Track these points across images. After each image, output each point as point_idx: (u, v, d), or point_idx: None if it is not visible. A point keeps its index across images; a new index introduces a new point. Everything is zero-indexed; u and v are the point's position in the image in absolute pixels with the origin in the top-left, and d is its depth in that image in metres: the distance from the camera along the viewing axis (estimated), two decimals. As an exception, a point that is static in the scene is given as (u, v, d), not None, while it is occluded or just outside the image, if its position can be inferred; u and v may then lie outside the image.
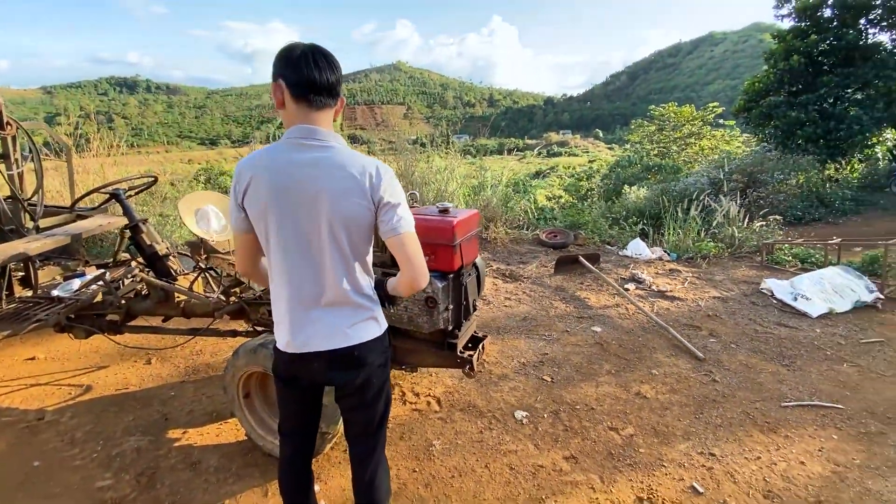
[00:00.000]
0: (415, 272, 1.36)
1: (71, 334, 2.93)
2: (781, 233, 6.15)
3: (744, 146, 13.37)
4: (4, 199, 2.94)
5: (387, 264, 2.14)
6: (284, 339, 1.44)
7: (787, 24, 12.31)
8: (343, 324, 1.41)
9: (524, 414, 2.65)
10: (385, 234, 1.34)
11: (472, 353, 2.21)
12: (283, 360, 1.48)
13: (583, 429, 2.53)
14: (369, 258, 1.47)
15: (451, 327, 2.13)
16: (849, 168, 11.01)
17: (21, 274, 3.11)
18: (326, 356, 1.42)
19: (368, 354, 1.46)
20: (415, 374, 3.03)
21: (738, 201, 6.33)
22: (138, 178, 3.12)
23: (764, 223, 6.05)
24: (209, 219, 2.88)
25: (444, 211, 2.05)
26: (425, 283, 1.39)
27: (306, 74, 1.26)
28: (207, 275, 3.00)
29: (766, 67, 12.74)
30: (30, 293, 3.01)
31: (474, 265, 2.28)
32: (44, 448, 2.46)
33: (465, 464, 2.29)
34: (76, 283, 3.03)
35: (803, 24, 11.81)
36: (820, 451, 2.33)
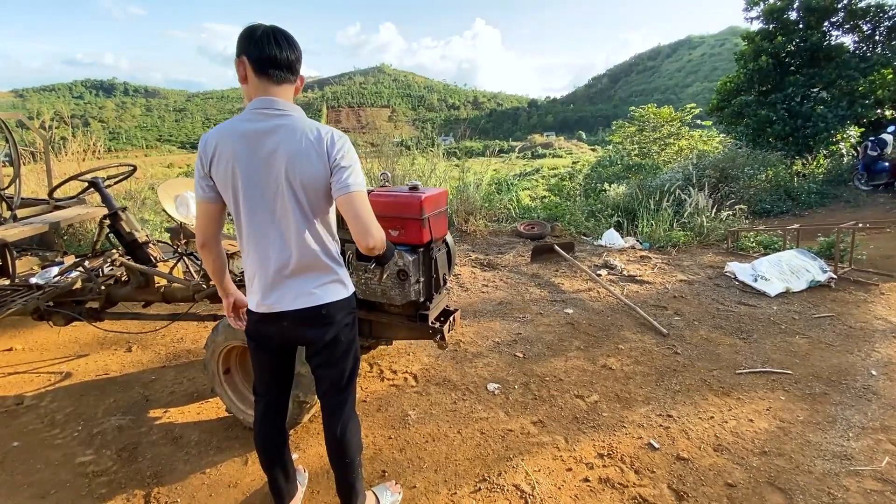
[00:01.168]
0: (360, 227, 1.38)
1: (51, 322, 2.96)
2: (747, 221, 6.42)
3: (721, 146, 13.82)
4: (-19, 188, 2.96)
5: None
6: (255, 300, 1.54)
7: (756, 26, 12.78)
8: (310, 285, 1.51)
9: (496, 386, 2.78)
10: (335, 192, 1.40)
11: (443, 324, 2.33)
12: (254, 321, 1.58)
13: (550, 397, 2.67)
14: (332, 221, 1.56)
15: (422, 299, 2.25)
16: (815, 164, 11.44)
17: (-1, 263, 3.13)
18: (296, 315, 1.52)
19: (336, 313, 1.56)
20: (393, 353, 3.14)
21: (709, 195, 6.59)
22: (117, 166, 3.17)
23: (731, 213, 6.31)
24: (188, 204, 2.95)
25: (414, 188, 2.16)
26: (374, 241, 1.39)
27: (267, 52, 1.36)
28: (187, 260, 3.06)
29: (737, 68, 13.20)
30: (7, 282, 3.03)
31: (444, 242, 2.40)
32: (23, 430, 2.50)
33: (438, 430, 2.40)
34: (54, 271, 3.06)
35: (771, 26, 12.27)
36: (768, 410, 2.51)
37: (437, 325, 2.29)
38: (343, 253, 2.23)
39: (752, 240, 5.56)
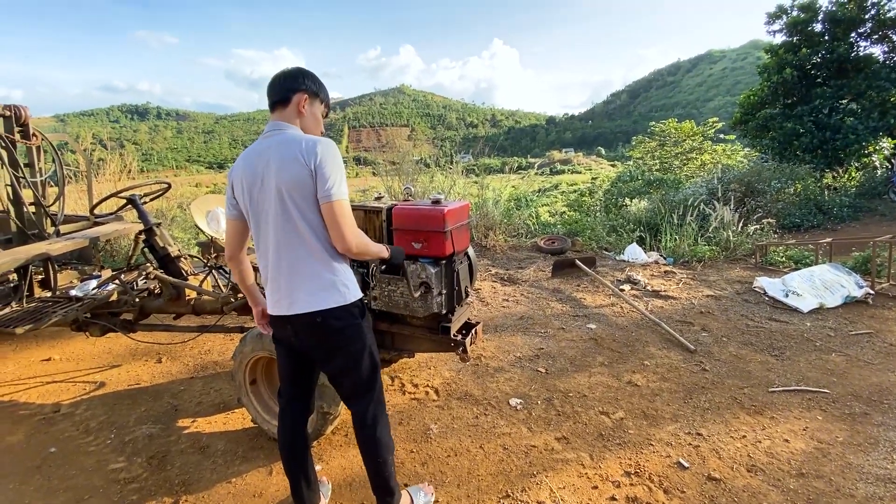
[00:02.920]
0: (335, 233, 1.50)
1: (87, 332, 3.09)
2: (776, 236, 6.25)
3: (746, 160, 13.57)
4: (28, 206, 3.14)
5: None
6: (268, 303, 1.67)
7: (779, 39, 12.64)
8: (303, 292, 1.56)
9: (518, 401, 2.75)
10: (319, 200, 1.49)
11: (465, 336, 2.33)
12: (270, 323, 1.73)
13: (574, 413, 2.62)
14: (323, 231, 1.56)
15: (444, 311, 2.26)
16: (846, 176, 11.10)
17: (41, 276, 3.29)
18: (296, 321, 1.59)
19: (333, 321, 1.58)
20: (414, 367, 3.15)
21: (733, 209, 6.45)
22: (153, 183, 3.32)
23: (758, 227, 6.16)
24: (219, 219, 3.06)
25: (437, 202, 2.20)
26: (344, 247, 1.51)
27: (268, 95, 1.63)
28: (216, 273, 3.16)
29: (760, 81, 13.02)
30: (49, 294, 3.18)
31: (466, 254, 2.42)
32: (59, 437, 2.59)
33: (460, 445, 2.38)
34: (93, 284, 3.20)
35: (794, 38, 12.11)
36: (804, 430, 2.41)
37: (459, 337, 2.30)
38: (366, 265, 2.29)
39: (781, 254, 5.40)
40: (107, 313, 3.12)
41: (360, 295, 1.66)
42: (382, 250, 1.72)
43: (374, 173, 8.32)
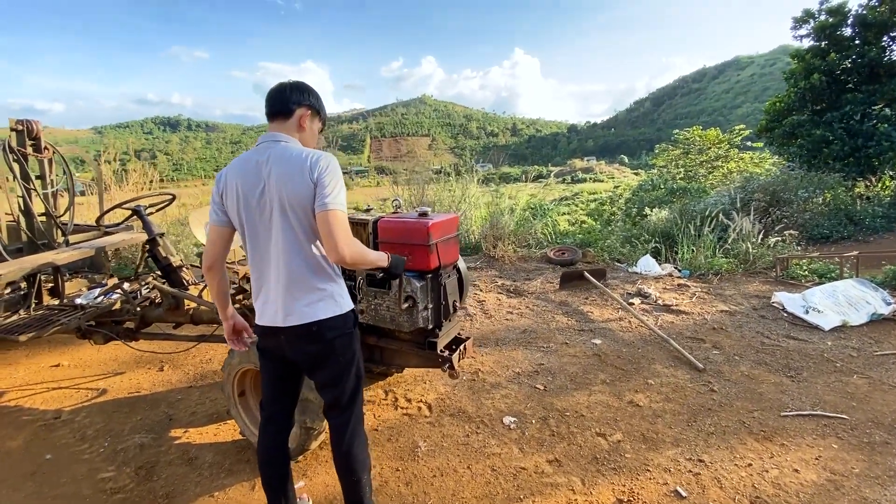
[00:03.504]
0: (329, 243, 1.46)
1: (91, 340, 3.15)
2: (799, 248, 5.97)
3: (776, 168, 13.11)
4: (39, 216, 3.24)
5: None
6: (257, 314, 1.63)
7: (806, 44, 12.23)
8: (300, 302, 1.56)
9: (512, 420, 2.66)
10: (315, 209, 1.48)
11: (452, 352, 2.27)
12: (259, 335, 1.68)
13: (570, 434, 2.52)
14: (318, 243, 1.57)
15: (431, 326, 2.21)
16: (880, 185, 10.58)
17: (51, 285, 3.38)
18: (290, 332, 1.57)
19: (327, 331, 1.59)
20: (409, 381, 3.10)
21: (758, 219, 6.20)
22: (157, 195, 3.39)
23: (780, 238, 5.89)
24: (217, 231, 3.09)
25: (423, 215, 2.16)
26: (337, 257, 1.47)
27: (267, 100, 1.63)
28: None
29: (787, 87, 12.61)
30: (56, 302, 3.27)
31: (456, 268, 2.37)
32: (57, 443, 2.64)
33: (447, 464, 2.31)
34: (97, 292, 3.27)
35: (822, 43, 11.69)
36: (817, 459, 2.24)
37: (447, 353, 2.24)
38: (353, 277, 2.27)
39: (804, 268, 5.14)
40: (110, 321, 3.19)
41: (352, 305, 1.67)
42: (381, 258, 1.70)
43: (395, 182, 8.43)
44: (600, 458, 2.32)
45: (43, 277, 3.32)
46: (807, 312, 3.87)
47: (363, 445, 1.72)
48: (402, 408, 2.83)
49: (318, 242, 1.56)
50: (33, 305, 3.14)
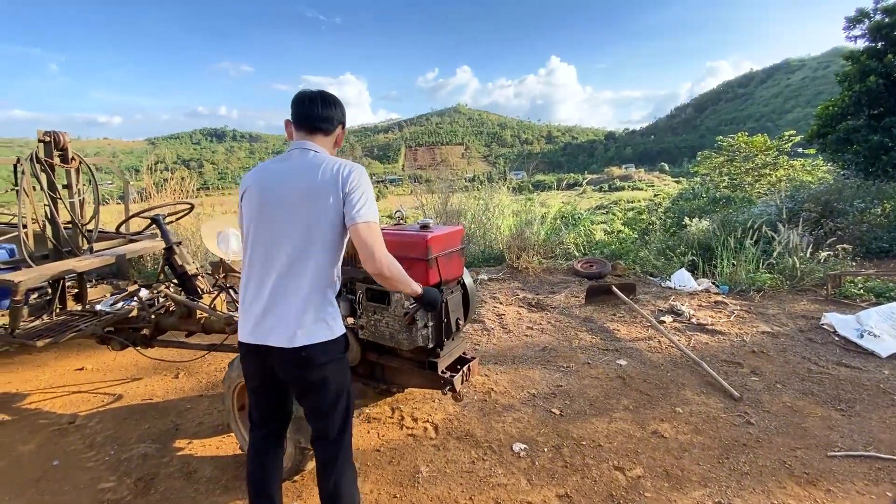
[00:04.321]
0: (365, 253, 1.44)
1: (109, 346, 3.21)
2: (854, 264, 5.45)
3: (829, 176, 12.23)
4: (65, 224, 3.35)
5: (370, 279, 2.15)
6: (244, 330, 1.55)
7: (861, 44, 11.41)
8: (293, 324, 1.48)
9: (523, 447, 2.48)
10: (347, 222, 1.47)
11: (455, 374, 2.13)
12: (243, 352, 1.60)
13: (584, 466, 2.31)
14: (333, 262, 1.53)
15: (431, 345, 2.08)
16: (949, 195, 9.65)
17: (76, 290, 3.49)
18: (278, 353, 1.50)
19: (318, 356, 1.50)
20: (418, 398, 2.97)
21: (809, 231, 5.73)
22: (176, 204, 3.44)
23: (832, 253, 5.40)
24: (229, 240, 3.09)
25: (425, 227, 2.05)
26: (374, 267, 1.45)
27: (305, 110, 1.58)
28: (225, 293, 3.18)
29: (841, 90, 11.78)
30: (79, 308, 3.36)
31: (460, 284, 2.24)
32: (66, 449, 2.67)
33: (448, 494, 2.16)
34: (113, 299, 3.34)
35: (878, 44, 10.87)
36: (871, 511, 1.95)
37: (448, 375, 2.10)
38: (353, 291, 2.17)
39: (859, 286, 4.67)
40: (128, 328, 3.24)
41: (344, 330, 1.60)
42: (414, 286, 1.61)
43: (430, 191, 8.44)
44: (616, 495, 2.11)
45: (68, 283, 3.43)
46: (861, 336, 3.48)
47: (351, 482, 1.62)
48: (407, 427, 2.70)
49: (330, 263, 1.52)
50: (57, 310, 3.23)
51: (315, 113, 1.57)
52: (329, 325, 1.52)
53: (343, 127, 1.65)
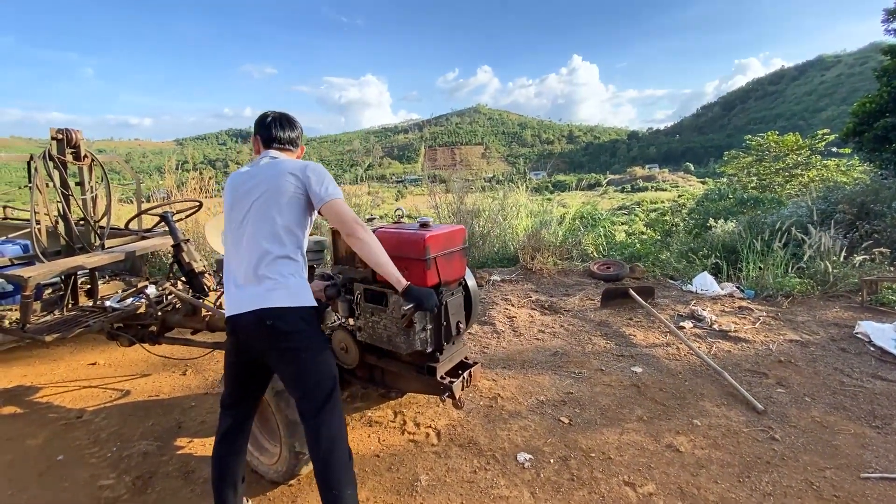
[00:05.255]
0: (346, 228, 1.64)
1: (118, 342, 3.24)
2: (892, 269, 5.11)
3: (865, 176, 11.66)
4: (77, 221, 3.39)
5: (368, 279, 2.08)
6: (229, 303, 1.69)
7: (901, 37, 10.81)
8: (259, 292, 1.62)
9: (528, 457, 2.37)
10: (317, 204, 1.66)
11: (455, 379, 2.03)
12: (228, 329, 1.73)
13: (592, 480, 2.18)
14: (296, 240, 1.69)
15: (430, 349, 1.99)
16: None
17: (88, 286, 3.53)
18: (248, 320, 1.61)
19: (279, 321, 1.59)
20: (422, 402, 2.89)
21: (835, 233, 5.41)
22: (184, 201, 3.45)
23: (867, 257, 5.09)
24: (234, 238, 3.06)
25: (424, 225, 1.96)
26: (355, 233, 1.62)
27: (272, 133, 1.85)
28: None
29: (879, 86, 11.19)
30: (91, 304, 3.39)
31: (462, 285, 2.14)
32: (71, 444, 2.68)
33: (447, 504, 2.07)
34: (122, 295, 3.36)
35: (922, 35, 10.28)
36: (910, 543, 1.77)
37: (447, 381, 2.01)
38: (351, 292, 2.10)
39: (898, 292, 4.38)
40: (136, 325, 3.26)
41: (312, 303, 1.69)
42: (398, 277, 1.68)
43: (447, 190, 8.40)
44: (625, 513, 1.98)
45: (81, 279, 3.47)
46: (901, 348, 3.24)
47: (344, 462, 1.62)
48: (409, 433, 2.62)
49: (291, 237, 1.67)
50: (69, 306, 3.27)
51: (282, 136, 1.85)
52: (291, 292, 1.63)
53: (301, 145, 1.95)
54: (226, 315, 1.67)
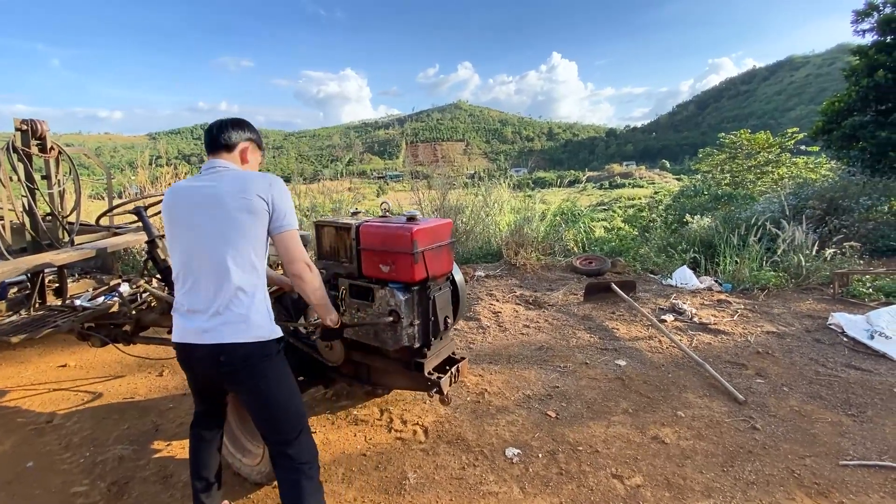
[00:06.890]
0: (287, 258, 1.57)
1: (90, 342, 3.10)
2: (861, 262, 5.31)
3: (833, 173, 12.10)
4: (44, 217, 3.23)
5: (353, 274, 2.03)
6: (176, 329, 1.60)
7: (868, 39, 11.22)
8: (214, 322, 1.50)
9: (516, 452, 2.36)
10: (273, 231, 1.57)
11: (442, 375, 2.01)
12: (178, 352, 1.63)
13: (581, 473, 2.19)
14: (254, 261, 1.56)
15: (417, 345, 1.96)
16: (957, 193, 9.49)
17: (56, 285, 3.37)
18: (202, 352, 1.52)
19: (236, 359, 1.51)
20: (409, 399, 2.85)
21: (813, 229, 5.59)
22: (160, 195, 3.31)
23: (838, 251, 5.26)
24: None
25: (412, 219, 1.92)
26: (300, 272, 1.57)
27: (209, 136, 1.70)
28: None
29: (847, 85, 11.60)
30: (59, 303, 3.24)
31: (450, 279, 2.11)
32: (41, 450, 2.55)
33: (436, 502, 2.04)
34: (92, 294, 3.21)
35: (888, 38, 10.68)
36: (886, 526, 1.83)
37: (435, 376, 1.98)
38: (336, 287, 2.05)
39: (867, 284, 4.54)
40: (108, 324, 3.12)
41: (271, 334, 1.57)
42: (331, 313, 1.72)
43: (429, 187, 8.36)
44: (614, 505, 1.99)
45: (49, 278, 3.31)
46: (872, 338, 3.35)
47: (316, 494, 1.59)
48: (396, 430, 2.58)
49: (251, 262, 1.55)
50: (36, 305, 3.12)
51: (215, 136, 1.69)
52: (251, 325, 1.52)
53: (250, 143, 1.73)
54: (173, 340, 1.57)
